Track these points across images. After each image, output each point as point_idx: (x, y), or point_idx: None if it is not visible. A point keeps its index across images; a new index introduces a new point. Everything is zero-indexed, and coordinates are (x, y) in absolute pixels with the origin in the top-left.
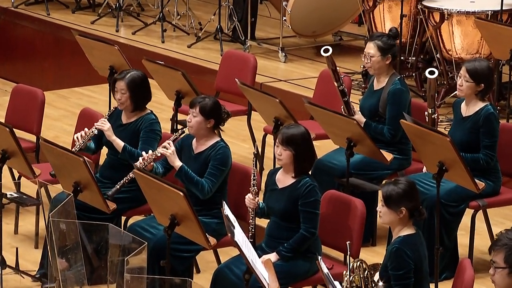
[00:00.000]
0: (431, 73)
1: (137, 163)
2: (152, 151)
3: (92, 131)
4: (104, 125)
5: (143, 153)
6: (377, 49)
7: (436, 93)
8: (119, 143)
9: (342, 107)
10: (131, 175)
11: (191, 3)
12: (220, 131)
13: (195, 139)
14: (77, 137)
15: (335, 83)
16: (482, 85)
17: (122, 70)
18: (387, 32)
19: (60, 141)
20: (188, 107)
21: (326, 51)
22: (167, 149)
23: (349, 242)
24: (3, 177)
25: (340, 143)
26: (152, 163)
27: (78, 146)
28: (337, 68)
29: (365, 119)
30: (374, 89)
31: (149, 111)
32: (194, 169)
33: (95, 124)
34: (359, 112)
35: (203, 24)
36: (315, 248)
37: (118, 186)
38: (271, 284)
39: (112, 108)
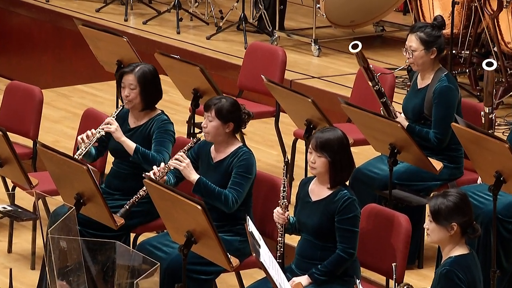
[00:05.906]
0: (489, 64)
1: (147, 179)
2: (164, 164)
3: (99, 132)
4: (111, 125)
5: (154, 167)
6: (420, 42)
7: (494, 89)
8: (130, 145)
9: (382, 109)
10: (141, 193)
11: None
12: (243, 135)
13: (213, 145)
14: (81, 138)
15: (369, 83)
16: None
17: (130, 63)
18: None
19: (61, 146)
20: None
21: (354, 47)
22: (180, 161)
23: (395, 264)
24: None
25: (382, 149)
26: (164, 177)
27: (83, 149)
28: (370, 65)
29: (407, 123)
30: (418, 87)
31: (160, 111)
32: (214, 180)
33: (100, 125)
34: (402, 114)
35: (224, 12)
36: (353, 271)
37: (127, 206)
38: None
39: (119, 105)
